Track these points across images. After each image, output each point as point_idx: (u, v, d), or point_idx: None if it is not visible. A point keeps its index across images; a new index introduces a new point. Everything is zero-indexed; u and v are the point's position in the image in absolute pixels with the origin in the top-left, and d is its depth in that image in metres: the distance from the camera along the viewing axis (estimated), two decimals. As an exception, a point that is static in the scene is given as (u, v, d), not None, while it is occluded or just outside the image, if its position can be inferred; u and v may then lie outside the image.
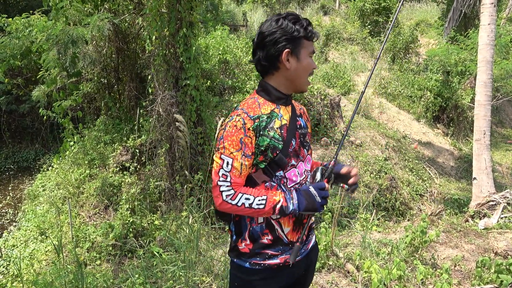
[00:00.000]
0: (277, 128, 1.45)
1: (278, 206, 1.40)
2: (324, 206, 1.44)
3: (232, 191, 1.41)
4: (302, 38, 1.43)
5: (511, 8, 13.32)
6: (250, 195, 1.41)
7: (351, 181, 1.54)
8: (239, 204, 1.40)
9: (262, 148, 1.42)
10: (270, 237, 1.49)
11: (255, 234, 1.50)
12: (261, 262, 1.50)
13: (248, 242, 1.51)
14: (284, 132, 1.46)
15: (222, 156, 1.41)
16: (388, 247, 3.83)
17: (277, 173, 1.46)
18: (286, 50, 1.41)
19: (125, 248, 4.37)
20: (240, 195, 1.40)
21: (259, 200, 1.40)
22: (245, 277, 1.55)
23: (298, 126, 1.54)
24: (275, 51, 1.42)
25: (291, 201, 1.42)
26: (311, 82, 7.83)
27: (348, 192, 1.57)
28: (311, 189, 1.43)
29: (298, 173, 1.52)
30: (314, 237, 1.66)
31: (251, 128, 1.40)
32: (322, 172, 1.50)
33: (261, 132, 1.42)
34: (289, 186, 1.49)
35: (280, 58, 1.43)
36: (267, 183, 1.47)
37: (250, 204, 1.40)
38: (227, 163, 1.40)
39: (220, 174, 1.41)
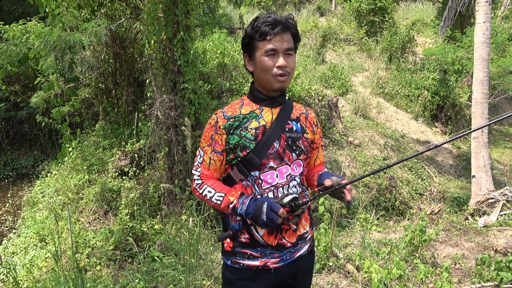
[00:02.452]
0: (251, 128, 1.49)
1: (231, 205, 1.46)
2: (268, 225, 1.41)
3: (200, 181, 1.56)
4: (254, 40, 1.47)
5: (506, 6, 13.37)
6: (213, 189, 1.52)
7: (347, 198, 1.45)
8: (203, 194, 1.53)
9: (231, 146, 1.50)
10: (246, 235, 1.52)
11: (235, 232, 1.53)
12: (241, 261, 1.53)
13: (228, 240, 1.56)
14: (259, 132, 1.49)
15: (199, 148, 1.58)
16: (388, 246, 3.83)
17: (252, 173, 1.49)
18: (244, 54, 1.54)
19: (125, 253, 4.36)
20: (205, 186, 1.54)
21: (218, 196, 1.49)
22: (227, 274, 1.59)
23: (286, 129, 1.52)
24: (243, 57, 1.56)
25: (242, 206, 1.43)
26: (310, 83, 7.86)
27: (346, 207, 1.51)
28: (265, 205, 1.40)
29: (277, 176, 1.49)
30: (307, 246, 1.61)
31: (222, 127, 1.50)
32: (291, 201, 1.42)
33: (233, 131, 1.50)
34: (263, 188, 1.48)
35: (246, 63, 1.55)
36: (244, 182, 1.51)
37: (211, 197, 1.51)
38: (200, 155, 1.57)
39: (195, 163, 1.59)
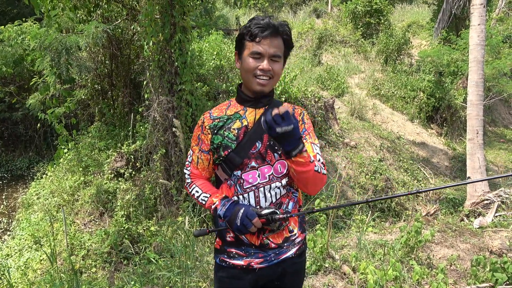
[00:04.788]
0: (234, 128, 1.52)
1: (213, 206, 1.52)
2: (241, 231, 1.43)
3: (189, 180, 1.64)
4: (244, 40, 1.49)
5: (500, 8, 13.48)
6: (200, 189, 1.59)
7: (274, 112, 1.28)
8: (192, 193, 1.60)
9: (215, 146, 1.55)
10: (232, 234, 1.56)
11: (222, 231, 1.56)
12: (227, 260, 1.57)
13: (218, 239, 1.61)
14: (241, 132, 1.52)
15: (190, 148, 1.65)
16: (384, 248, 3.84)
17: (235, 173, 1.52)
18: (235, 52, 1.56)
19: (120, 255, 4.34)
20: (194, 186, 1.61)
21: (203, 196, 1.56)
22: (216, 272, 1.64)
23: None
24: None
25: (222, 207, 1.48)
26: (306, 84, 7.87)
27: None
28: (241, 211, 1.43)
29: (259, 176, 1.50)
30: (295, 249, 1.59)
31: (207, 127, 1.57)
32: (269, 214, 1.44)
33: (216, 131, 1.55)
34: (244, 187, 1.51)
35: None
36: (228, 182, 1.55)
37: (198, 197, 1.58)
38: (190, 154, 1.64)
39: (186, 162, 1.66)
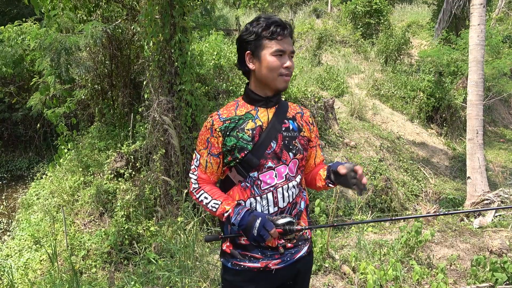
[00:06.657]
0: (248, 129, 1.49)
1: (226, 214, 1.45)
2: (258, 241, 1.39)
3: (197, 185, 1.56)
4: (262, 39, 1.47)
5: (500, 8, 13.49)
6: (209, 195, 1.52)
7: (363, 181, 1.41)
8: (200, 199, 1.54)
9: (228, 148, 1.50)
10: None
11: (233, 234, 1.51)
12: (242, 263, 1.53)
13: (228, 243, 1.56)
14: (256, 133, 1.49)
15: (195, 151, 1.58)
16: (384, 248, 3.85)
17: (251, 174, 1.49)
18: (247, 52, 1.50)
19: (120, 255, 4.34)
20: (202, 191, 1.54)
21: (214, 203, 1.50)
22: (227, 277, 1.58)
23: (283, 129, 1.53)
24: (241, 54, 1.53)
25: (236, 216, 1.42)
26: (306, 85, 7.87)
27: (359, 194, 1.50)
28: (258, 220, 1.38)
29: (276, 176, 1.49)
30: (306, 247, 1.61)
31: (218, 129, 1.50)
32: (285, 224, 1.41)
33: (229, 133, 1.50)
34: (262, 188, 1.49)
35: (245, 61, 1.52)
36: (242, 184, 1.51)
37: (207, 204, 1.51)
38: (197, 158, 1.57)
39: (192, 167, 1.59)
